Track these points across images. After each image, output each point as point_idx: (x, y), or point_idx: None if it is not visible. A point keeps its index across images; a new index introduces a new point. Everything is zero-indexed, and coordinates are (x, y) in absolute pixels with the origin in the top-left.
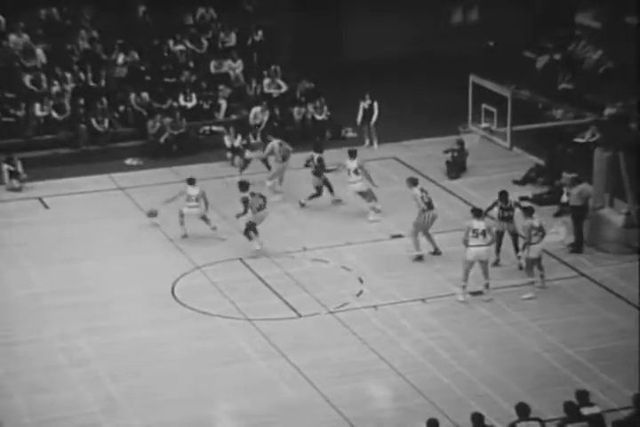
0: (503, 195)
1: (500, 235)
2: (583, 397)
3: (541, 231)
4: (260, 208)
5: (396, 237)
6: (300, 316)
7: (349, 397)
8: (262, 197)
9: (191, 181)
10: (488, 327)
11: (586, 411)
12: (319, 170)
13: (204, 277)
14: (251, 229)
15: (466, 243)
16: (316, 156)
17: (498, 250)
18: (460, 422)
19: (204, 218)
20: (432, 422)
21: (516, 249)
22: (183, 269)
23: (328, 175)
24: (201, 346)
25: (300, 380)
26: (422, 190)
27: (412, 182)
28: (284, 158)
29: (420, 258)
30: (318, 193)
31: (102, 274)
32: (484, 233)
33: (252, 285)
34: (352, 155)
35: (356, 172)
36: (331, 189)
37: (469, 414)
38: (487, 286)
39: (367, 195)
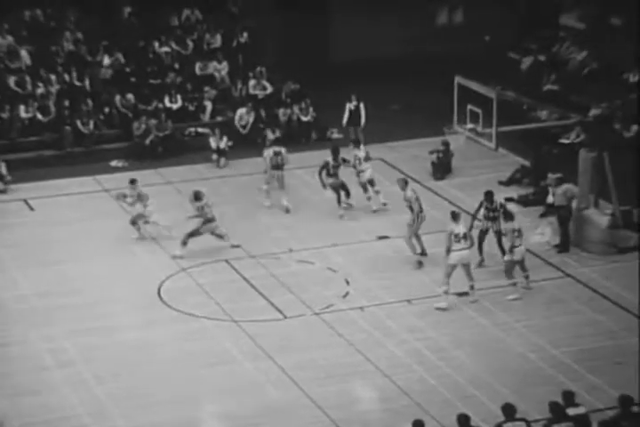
0: (489, 195)
1: (483, 234)
2: (569, 397)
3: (520, 233)
4: (211, 220)
5: (382, 238)
6: (285, 317)
7: (335, 398)
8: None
9: (197, 196)
10: (474, 328)
11: (571, 411)
12: (336, 171)
13: (189, 279)
14: (191, 237)
15: (448, 249)
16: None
17: (480, 250)
18: (446, 423)
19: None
20: (418, 423)
21: (502, 251)
22: (169, 271)
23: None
24: (187, 348)
25: (285, 381)
26: (413, 191)
27: (405, 183)
28: (277, 167)
29: (420, 263)
30: (338, 194)
31: (88, 276)
32: (465, 236)
33: (238, 286)
34: (356, 144)
35: (366, 159)
36: (348, 193)
37: (455, 415)
38: (472, 287)
39: (374, 182)
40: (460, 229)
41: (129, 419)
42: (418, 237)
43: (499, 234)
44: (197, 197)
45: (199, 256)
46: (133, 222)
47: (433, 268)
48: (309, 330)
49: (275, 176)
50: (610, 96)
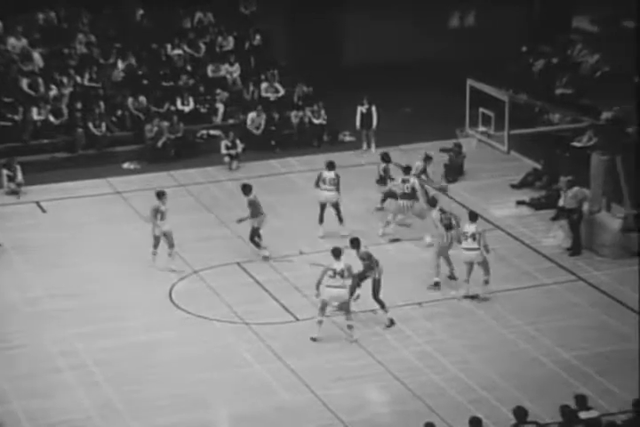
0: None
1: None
2: (581, 401)
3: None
4: (262, 212)
5: (394, 241)
6: (297, 320)
7: (346, 401)
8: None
9: (245, 190)
10: (485, 331)
11: (583, 415)
12: (385, 179)
13: (201, 282)
14: (255, 235)
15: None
16: (383, 165)
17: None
18: (457, 426)
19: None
20: (429, 425)
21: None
22: (180, 273)
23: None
24: (198, 350)
25: (297, 384)
26: (441, 211)
27: (432, 204)
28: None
29: (437, 285)
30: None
31: (100, 278)
32: (473, 236)
33: (250, 289)
34: (406, 170)
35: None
36: (384, 199)
37: (467, 418)
38: (486, 281)
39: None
40: (471, 228)
41: (141, 421)
42: (447, 259)
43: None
44: (247, 189)
45: (211, 259)
46: (157, 240)
47: (444, 270)
48: (321, 332)
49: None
50: (622, 99)
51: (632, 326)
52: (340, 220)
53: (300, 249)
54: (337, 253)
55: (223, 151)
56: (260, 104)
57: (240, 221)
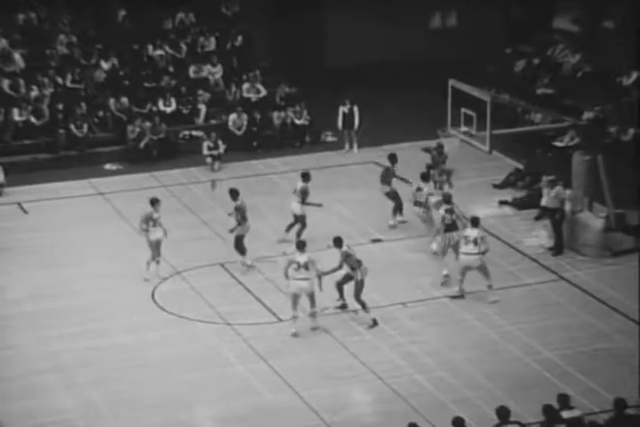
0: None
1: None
2: (564, 400)
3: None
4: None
5: (376, 241)
6: (280, 320)
7: (329, 401)
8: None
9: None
10: (468, 331)
11: (566, 414)
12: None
13: (184, 282)
14: (240, 243)
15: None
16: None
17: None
18: (440, 426)
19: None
20: (412, 426)
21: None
22: (163, 274)
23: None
24: (181, 351)
25: (279, 384)
26: (448, 211)
27: (445, 200)
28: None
29: (447, 276)
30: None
31: (82, 279)
32: (475, 241)
33: (233, 289)
34: (424, 178)
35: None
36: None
37: (450, 418)
38: (490, 286)
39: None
40: (473, 233)
41: (123, 422)
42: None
43: None
44: (233, 196)
45: (193, 259)
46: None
47: (428, 270)
48: (304, 333)
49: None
50: (603, 99)
51: (614, 325)
52: (298, 235)
53: (283, 250)
54: (300, 245)
55: (205, 152)
56: (240, 105)
57: (232, 231)
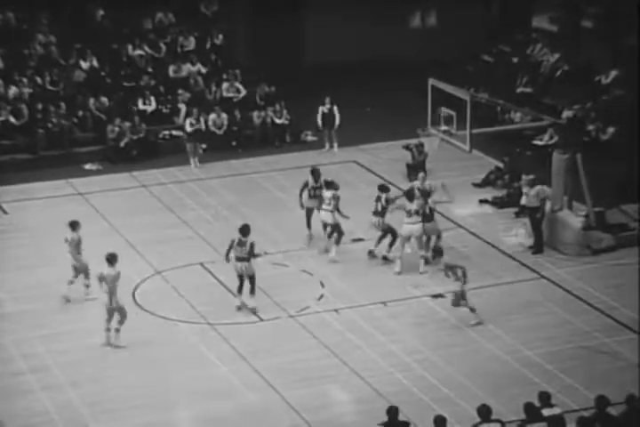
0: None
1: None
2: (545, 398)
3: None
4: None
5: (356, 240)
6: (261, 320)
7: (311, 401)
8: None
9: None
10: (448, 330)
11: (546, 412)
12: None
13: (164, 282)
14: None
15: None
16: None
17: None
18: (422, 425)
19: None
20: (439, 418)
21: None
22: (143, 275)
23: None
24: (161, 351)
25: (261, 384)
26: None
27: (410, 195)
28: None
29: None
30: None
31: (61, 280)
32: (417, 212)
33: (213, 289)
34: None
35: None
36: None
37: (431, 416)
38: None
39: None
40: (413, 205)
41: (102, 424)
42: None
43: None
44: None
45: (174, 259)
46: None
47: (408, 270)
48: (285, 333)
49: None
50: (582, 98)
51: (593, 323)
52: (337, 243)
53: (264, 250)
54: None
55: (188, 128)
56: (218, 104)
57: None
